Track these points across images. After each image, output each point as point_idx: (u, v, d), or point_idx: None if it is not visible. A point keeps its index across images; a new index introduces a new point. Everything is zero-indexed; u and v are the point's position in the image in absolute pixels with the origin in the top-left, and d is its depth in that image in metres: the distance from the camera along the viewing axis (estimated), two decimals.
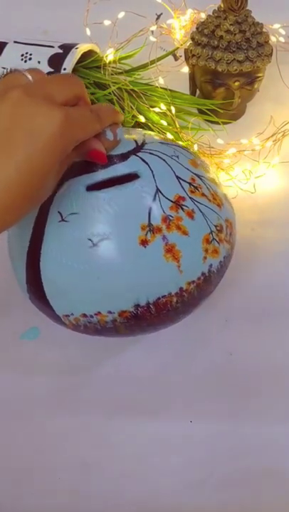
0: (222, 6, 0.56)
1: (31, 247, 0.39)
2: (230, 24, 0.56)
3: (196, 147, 0.59)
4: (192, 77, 0.63)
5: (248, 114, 0.67)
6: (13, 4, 0.75)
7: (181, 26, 0.69)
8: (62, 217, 0.38)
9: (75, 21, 0.66)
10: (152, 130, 0.60)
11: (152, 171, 0.38)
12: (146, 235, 0.37)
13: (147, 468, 0.45)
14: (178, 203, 0.38)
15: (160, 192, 0.38)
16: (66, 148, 0.31)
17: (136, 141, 0.40)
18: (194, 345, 0.52)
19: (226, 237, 0.41)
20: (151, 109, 0.61)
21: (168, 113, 0.60)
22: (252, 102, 0.65)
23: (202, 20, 0.60)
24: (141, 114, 0.60)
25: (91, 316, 0.38)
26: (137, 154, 0.39)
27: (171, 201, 0.38)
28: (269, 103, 0.66)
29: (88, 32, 0.66)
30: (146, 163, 0.39)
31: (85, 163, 0.38)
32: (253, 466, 0.47)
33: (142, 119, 0.60)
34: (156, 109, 0.61)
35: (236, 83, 0.59)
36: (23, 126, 0.30)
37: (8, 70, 0.34)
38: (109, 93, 0.61)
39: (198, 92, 0.65)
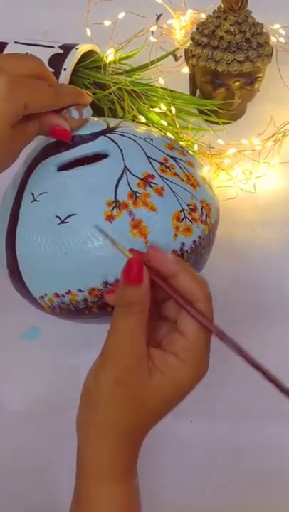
0: (222, 6, 0.56)
1: (9, 229, 0.40)
2: (231, 24, 0.56)
3: (196, 147, 0.59)
4: (192, 78, 0.63)
5: (248, 115, 0.67)
6: (13, 4, 0.75)
7: (181, 26, 0.69)
8: (33, 197, 0.39)
9: (76, 21, 0.66)
10: None
11: (121, 150, 0.39)
12: (112, 210, 0.37)
13: (147, 468, 0.45)
14: (146, 181, 0.38)
15: (128, 169, 0.38)
16: (14, 110, 0.32)
17: (108, 124, 0.41)
18: None
19: (200, 217, 0.41)
20: (151, 109, 0.61)
21: (168, 113, 0.60)
22: (252, 102, 0.65)
23: (202, 20, 0.60)
24: (141, 114, 0.60)
25: (63, 296, 0.39)
26: (107, 135, 0.40)
27: (139, 178, 0.38)
28: (269, 103, 0.66)
29: (88, 32, 0.66)
30: (116, 143, 0.40)
31: (55, 144, 0.39)
32: (253, 466, 0.47)
33: (142, 119, 0.60)
34: (157, 110, 0.61)
35: (236, 83, 0.59)
36: None
37: None
38: (110, 93, 0.61)
39: (198, 92, 0.65)
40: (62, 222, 0.37)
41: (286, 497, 0.46)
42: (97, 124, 0.41)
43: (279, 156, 0.61)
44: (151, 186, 0.38)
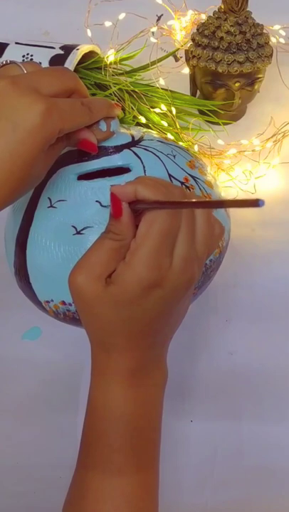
0: (222, 7, 0.56)
1: (21, 230, 0.40)
2: (231, 25, 0.56)
3: (196, 148, 0.60)
4: (193, 78, 0.63)
5: (249, 115, 0.67)
6: (14, 5, 0.76)
7: (181, 27, 0.69)
8: (51, 203, 0.39)
9: (76, 22, 0.67)
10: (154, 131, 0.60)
11: (144, 166, 0.39)
12: None
13: None
14: None
15: None
16: (48, 138, 0.32)
17: (133, 137, 0.41)
18: (195, 345, 0.52)
19: None
20: (152, 109, 0.61)
21: (169, 114, 0.60)
22: (252, 103, 0.65)
23: (203, 21, 0.60)
24: (142, 114, 0.60)
25: (70, 304, 0.39)
26: (131, 148, 0.39)
27: None
28: (269, 104, 0.66)
29: (89, 33, 0.66)
30: (139, 158, 0.39)
31: (78, 151, 0.39)
32: (253, 466, 0.47)
33: (142, 119, 0.60)
34: (157, 110, 0.61)
35: (237, 84, 0.59)
36: (5, 116, 0.31)
37: (8, 62, 0.35)
38: (110, 94, 0.61)
39: (198, 92, 0.66)
40: (78, 233, 0.37)
41: (286, 497, 0.46)
42: (123, 136, 0.40)
43: (279, 157, 0.61)
44: None
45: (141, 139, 0.41)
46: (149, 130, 0.46)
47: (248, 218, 0.59)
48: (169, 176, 0.39)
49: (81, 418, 0.48)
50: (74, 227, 0.37)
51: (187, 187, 0.40)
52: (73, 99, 0.35)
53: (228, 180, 0.60)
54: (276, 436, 0.48)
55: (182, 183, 0.39)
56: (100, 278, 0.31)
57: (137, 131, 0.42)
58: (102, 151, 0.38)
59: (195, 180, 0.41)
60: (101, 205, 0.37)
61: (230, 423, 0.48)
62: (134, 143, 0.40)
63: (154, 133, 0.45)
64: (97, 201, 0.38)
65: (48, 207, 0.39)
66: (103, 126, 0.37)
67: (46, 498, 0.46)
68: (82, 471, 0.36)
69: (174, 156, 0.41)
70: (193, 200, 0.32)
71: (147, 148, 0.40)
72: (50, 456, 0.48)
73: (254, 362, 0.51)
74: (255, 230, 0.58)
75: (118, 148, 0.39)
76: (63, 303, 0.39)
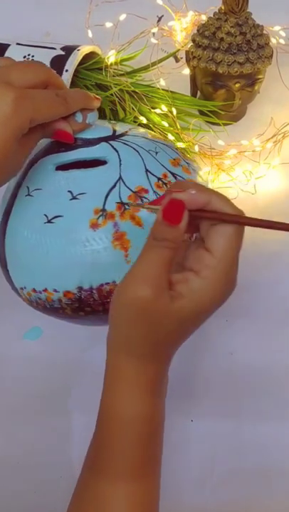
0: (223, 8, 0.56)
1: (3, 219, 0.41)
2: (231, 26, 0.56)
3: (196, 148, 0.60)
4: (193, 79, 0.63)
5: (249, 116, 0.67)
6: (15, 6, 0.76)
7: (182, 28, 0.70)
8: (28, 191, 0.39)
9: (77, 23, 0.67)
10: (153, 131, 0.60)
11: (120, 160, 0.39)
12: (97, 218, 0.37)
13: None
14: (138, 194, 0.38)
15: (122, 180, 0.38)
16: (19, 127, 0.32)
17: (115, 131, 0.41)
18: (195, 345, 0.52)
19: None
20: (152, 110, 0.61)
21: (169, 114, 0.60)
22: (252, 104, 0.65)
23: (203, 22, 0.60)
24: (142, 115, 0.61)
25: (40, 292, 0.39)
26: (109, 142, 0.40)
27: (132, 191, 0.38)
28: (269, 104, 0.67)
29: (90, 34, 0.66)
30: (116, 152, 0.39)
31: (58, 143, 0.40)
32: (253, 466, 0.47)
33: (143, 120, 0.60)
34: (158, 111, 0.61)
35: (237, 85, 0.59)
36: None
37: None
38: (111, 94, 0.61)
39: (199, 93, 0.66)
40: (49, 221, 0.38)
41: (286, 496, 0.46)
42: (103, 129, 0.41)
43: (279, 157, 0.61)
44: (142, 201, 0.38)
45: (124, 134, 0.41)
46: (138, 128, 0.46)
47: None
48: (146, 170, 0.39)
49: (81, 418, 0.48)
50: (46, 215, 0.38)
51: (164, 183, 0.40)
52: (47, 90, 0.35)
53: (228, 181, 0.60)
54: (276, 437, 0.48)
55: (159, 179, 0.40)
56: (165, 290, 0.30)
57: (121, 127, 0.43)
58: (80, 143, 0.39)
59: (175, 177, 0.41)
60: (72, 195, 0.38)
61: (230, 423, 0.48)
62: (114, 137, 0.41)
63: (142, 130, 0.45)
64: (68, 191, 0.38)
65: (26, 195, 0.39)
66: (79, 117, 0.38)
67: (46, 498, 0.46)
68: (89, 474, 0.35)
69: (156, 153, 0.41)
70: (258, 218, 0.32)
71: (127, 142, 0.41)
72: (50, 456, 0.48)
73: (254, 362, 0.51)
74: (255, 230, 0.58)
75: (96, 141, 0.40)
76: (34, 290, 0.40)
